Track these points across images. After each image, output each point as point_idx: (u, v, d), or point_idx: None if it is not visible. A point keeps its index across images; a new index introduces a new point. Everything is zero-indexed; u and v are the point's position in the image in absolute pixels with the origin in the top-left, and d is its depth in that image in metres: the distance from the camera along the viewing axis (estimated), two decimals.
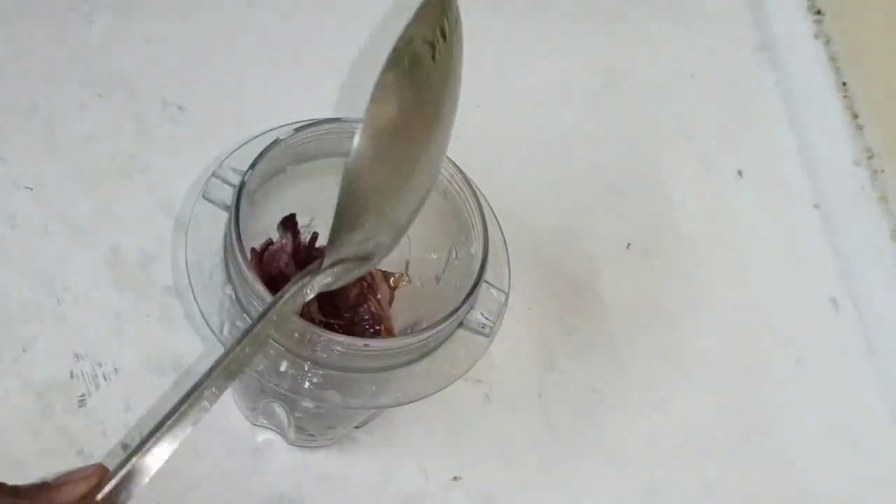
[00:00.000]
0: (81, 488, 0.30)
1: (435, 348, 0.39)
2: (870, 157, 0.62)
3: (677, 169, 0.63)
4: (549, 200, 0.59)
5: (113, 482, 0.30)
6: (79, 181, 0.52)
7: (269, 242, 0.44)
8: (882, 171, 0.61)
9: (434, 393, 0.39)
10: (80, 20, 0.57)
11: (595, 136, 0.63)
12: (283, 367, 0.37)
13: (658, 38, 0.68)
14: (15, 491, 0.29)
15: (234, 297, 0.38)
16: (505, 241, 0.43)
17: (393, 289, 0.46)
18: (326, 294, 0.44)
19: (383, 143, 0.33)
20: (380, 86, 0.33)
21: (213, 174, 0.40)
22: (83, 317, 0.49)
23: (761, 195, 0.63)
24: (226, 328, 0.38)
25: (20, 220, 0.51)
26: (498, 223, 0.43)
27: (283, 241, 0.44)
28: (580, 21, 0.67)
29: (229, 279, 0.38)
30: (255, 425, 0.48)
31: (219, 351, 0.34)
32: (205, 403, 0.32)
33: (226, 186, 0.40)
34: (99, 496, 0.30)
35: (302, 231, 0.45)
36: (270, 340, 0.37)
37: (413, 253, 0.46)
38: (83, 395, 0.47)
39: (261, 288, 0.36)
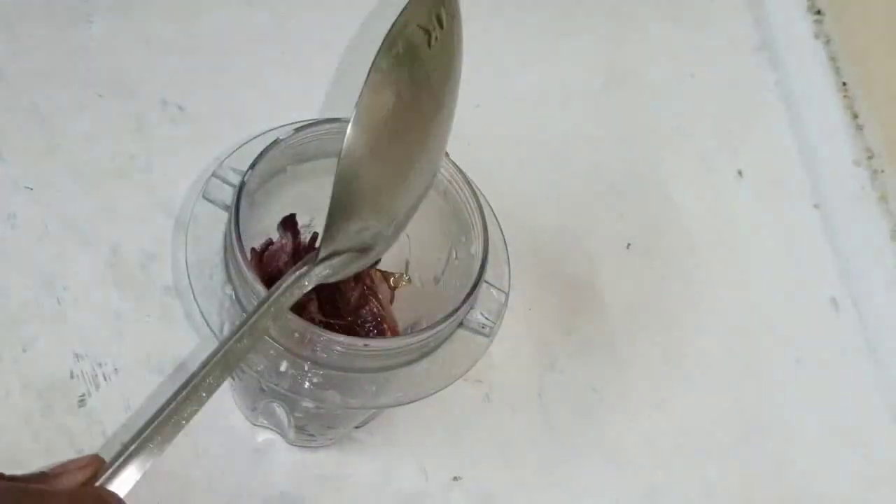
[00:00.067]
0: (78, 478, 0.30)
1: (435, 348, 0.39)
2: (870, 157, 0.62)
3: (677, 169, 0.63)
4: (549, 200, 0.59)
5: (109, 472, 0.30)
6: (79, 181, 0.52)
7: (269, 242, 0.44)
8: (882, 171, 0.61)
9: (434, 393, 0.39)
10: (80, 20, 0.57)
11: (595, 136, 0.63)
12: (283, 367, 0.37)
13: (658, 38, 0.68)
14: (12, 481, 0.29)
15: (234, 297, 0.38)
16: (505, 241, 0.43)
17: (393, 289, 0.46)
18: (327, 295, 0.44)
19: (378, 132, 0.33)
20: (373, 73, 0.33)
21: (213, 174, 0.40)
22: (83, 317, 0.49)
23: (761, 195, 0.63)
24: (226, 328, 0.38)
25: (20, 220, 0.51)
26: (498, 223, 0.43)
27: (283, 241, 0.44)
28: (580, 21, 0.67)
29: (229, 279, 0.38)
30: (255, 425, 0.48)
31: (216, 345, 0.33)
32: (202, 394, 0.32)
33: (226, 186, 0.40)
34: (95, 485, 0.30)
35: (302, 231, 0.45)
36: (270, 341, 0.37)
37: (413, 253, 0.46)
38: (83, 395, 0.47)
39: (261, 288, 0.36)
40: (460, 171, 0.41)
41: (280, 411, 0.44)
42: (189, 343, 0.49)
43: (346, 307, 0.44)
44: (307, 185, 0.43)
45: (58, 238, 0.50)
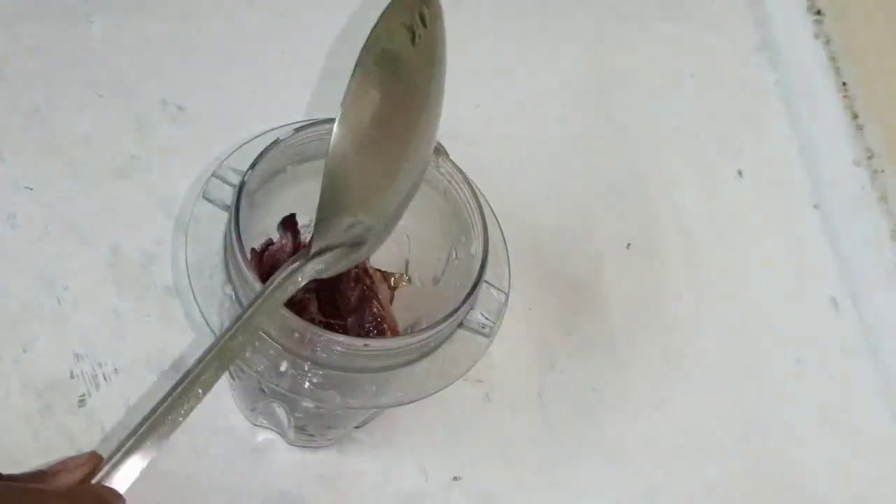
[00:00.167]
0: (76, 475, 0.30)
1: (435, 348, 0.39)
2: (870, 157, 0.62)
3: (677, 169, 0.63)
4: (549, 200, 0.59)
5: (106, 469, 0.30)
6: (79, 181, 0.52)
7: (269, 242, 0.44)
8: (882, 171, 0.61)
9: (434, 393, 0.39)
10: (80, 20, 0.57)
11: (595, 136, 0.63)
12: (283, 367, 0.37)
13: (658, 38, 0.68)
14: (10, 480, 0.29)
15: (234, 297, 0.38)
16: (505, 241, 0.43)
17: (393, 289, 0.46)
18: (328, 296, 0.44)
19: (364, 129, 0.34)
20: (357, 72, 0.33)
21: (213, 174, 0.40)
22: (83, 317, 0.49)
23: (761, 195, 0.63)
24: (223, 328, 0.38)
25: (20, 220, 0.51)
26: (498, 223, 0.43)
27: (283, 241, 0.44)
28: (580, 21, 0.67)
29: (229, 279, 0.38)
30: (255, 425, 0.48)
31: (207, 338, 0.33)
32: (198, 390, 0.32)
33: (226, 186, 0.40)
34: (93, 482, 0.30)
35: (302, 231, 0.45)
36: (271, 341, 0.37)
37: (413, 253, 0.46)
38: (83, 395, 0.47)
39: (260, 288, 0.36)
40: (460, 171, 0.41)
41: (280, 411, 0.44)
42: (189, 343, 0.49)
43: (346, 307, 0.44)
44: (307, 185, 0.43)
45: (58, 238, 0.50)
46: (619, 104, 0.64)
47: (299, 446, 0.48)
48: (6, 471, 0.29)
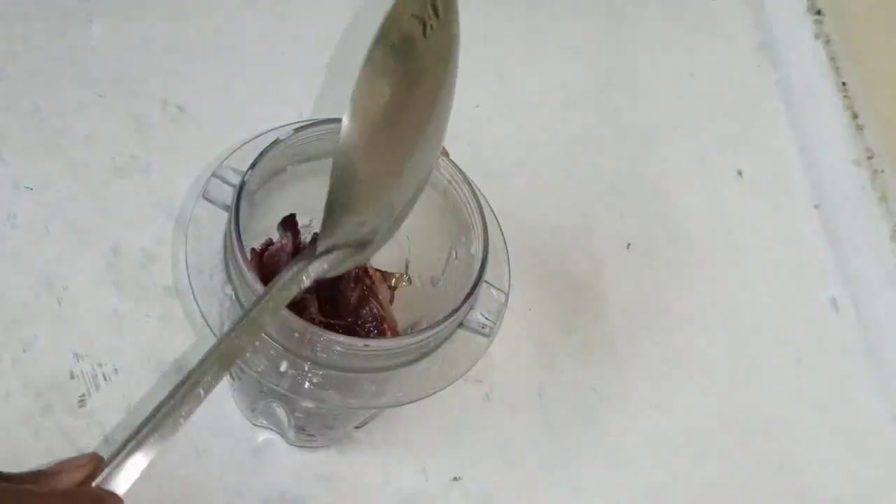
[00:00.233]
0: (77, 476, 0.30)
1: (435, 348, 0.39)
2: (870, 157, 0.62)
3: (677, 169, 0.63)
4: (549, 200, 0.59)
5: (108, 471, 0.30)
6: (79, 181, 0.52)
7: (269, 242, 0.44)
8: (882, 171, 0.61)
9: (434, 393, 0.39)
10: (80, 20, 0.57)
11: (595, 136, 0.63)
12: (283, 367, 0.37)
13: (658, 38, 0.68)
14: (7, 477, 0.29)
15: (234, 297, 0.38)
16: (505, 241, 0.43)
17: (393, 289, 0.46)
18: (328, 296, 0.44)
19: (374, 123, 0.33)
20: (368, 64, 0.32)
21: (213, 174, 0.40)
22: (83, 317, 0.49)
23: (761, 195, 0.63)
24: (226, 328, 0.38)
25: (20, 220, 0.51)
26: (498, 223, 0.43)
27: (283, 241, 0.44)
28: (580, 21, 0.67)
29: (229, 279, 0.38)
30: (255, 425, 0.48)
31: (213, 342, 0.33)
32: (199, 391, 0.32)
33: (226, 186, 0.40)
34: (94, 484, 0.30)
35: (302, 231, 0.45)
36: (271, 341, 0.37)
37: (413, 253, 0.46)
38: (83, 395, 0.47)
39: (261, 288, 0.36)
40: (460, 171, 0.41)
41: (280, 411, 0.44)
42: (189, 343, 0.49)
43: (347, 308, 0.44)
44: (307, 185, 0.43)
45: (58, 238, 0.50)
46: (618, 104, 0.64)
47: (299, 446, 0.48)
48: (6, 470, 0.29)
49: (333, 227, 0.34)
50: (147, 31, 0.58)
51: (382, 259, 0.46)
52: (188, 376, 0.32)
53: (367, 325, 0.44)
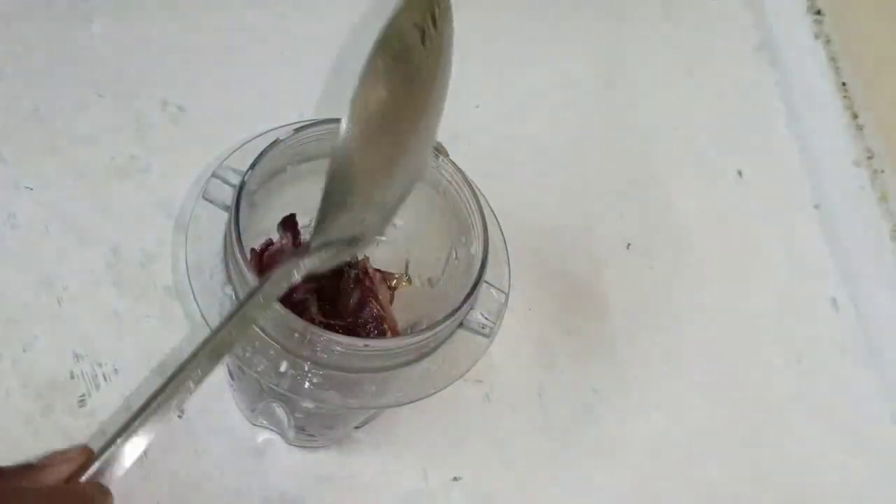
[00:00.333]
0: (66, 470, 0.30)
1: (435, 349, 0.39)
2: (870, 157, 0.62)
3: (677, 169, 0.63)
4: (549, 200, 0.59)
5: (97, 464, 0.30)
6: (79, 181, 0.52)
7: (269, 242, 0.44)
8: (882, 171, 0.61)
9: (434, 393, 0.39)
10: (80, 20, 0.57)
11: (595, 136, 0.63)
12: (283, 367, 0.37)
13: (658, 38, 0.68)
14: None
15: (234, 297, 0.38)
16: (505, 241, 0.43)
17: (392, 289, 0.46)
18: (328, 296, 0.44)
19: (371, 126, 0.34)
20: (368, 70, 0.33)
21: (213, 174, 0.40)
22: (83, 317, 0.49)
23: (761, 195, 0.63)
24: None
25: (20, 220, 0.51)
26: (498, 223, 0.43)
27: (283, 242, 0.44)
28: (580, 21, 0.67)
29: (229, 279, 0.38)
30: (255, 425, 0.48)
31: (203, 335, 0.33)
32: (189, 384, 0.32)
33: (226, 186, 0.40)
34: (83, 478, 0.30)
35: (302, 231, 0.44)
36: (270, 341, 0.37)
37: (413, 253, 0.46)
38: (83, 395, 0.47)
39: None
40: (460, 171, 0.41)
41: (280, 411, 0.44)
42: (189, 343, 0.49)
43: (346, 308, 0.44)
44: (307, 185, 0.43)
45: (58, 238, 0.50)
46: (618, 104, 0.64)
47: (299, 446, 0.48)
48: None
49: (327, 225, 0.35)
50: (147, 31, 0.58)
51: (382, 259, 0.46)
52: (178, 370, 0.32)
53: (368, 326, 0.44)
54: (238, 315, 0.33)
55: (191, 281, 0.38)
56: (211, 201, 0.40)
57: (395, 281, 0.46)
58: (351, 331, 0.43)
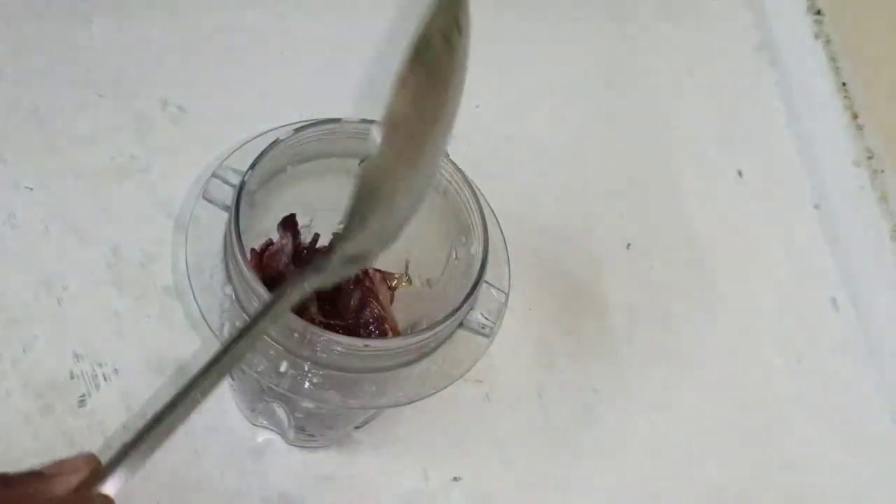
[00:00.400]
0: (73, 481, 0.30)
1: (435, 349, 0.39)
2: (870, 157, 0.62)
3: (677, 169, 0.63)
4: (549, 200, 0.59)
5: (110, 479, 0.30)
6: (79, 181, 0.52)
7: (269, 242, 0.44)
8: (882, 171, 0.61)
9: (434, 393, 0.39)
10: (80, 20, 0.57)
11: (595, 136, 0.63)
12: (283, 367, 0.37)
13: (658, 38, 0.68)
14: (5, 479, 0.29)
15: (234, 297, 0.38)
16: (505, 241, 0.43)
17: (393, 289, 0.46)
18: (328, 296, 0.44)
19: (399, 137, 0.33)
20: (402, 84, 0.33)
21: (213, 174, 0.40)
22: (83, 317, 0.49)
23: (761, 195, 0.63)
24: (226, 328, 0.38)
25: (20, 220, 0.51)
26: (498, 223, 0.43)
27: (283, 242, 0.44)
28: (580, 21, 0.67)
29: (229, 279, 0.38)
30: (255, 425, 0.48)
31: (213, 348, 0.33)
32: (197, 395, 0.32)
33: (226, 186, 0.40)
34: (95, 491, 0.30)
35: (302, 231, 0.45)
36: (270, 341, 0.37)
37: (413, 253, 0.46)
38: (83, 395, 0.47)
39: (261, 288, 0.36)
40: (460, 171, 0.41)
41: (280, 411, 0.44)
42: (189, 343, 0.49)
43: (347, 309, 0.44)
44: (307, 185, 0.43)
45: (58, 238, 0.50)
46: (618, 104, 0.64)
47: (299, 446, 0.48)
48: (5, 470, 0.29)
49: (349, 241, 0.34)
50: (147, 31, 0.58)
51: (382, 259, 0.46)
52: (189, 383, 0.32)
53: (368, 326, 0.44)
54: (251, 331, 0.33)
55: (191, 281, 0.38)
56: (211, 201, 0.40)
57: (395, 281, 0.46)
58: (351, 331, 0.43)
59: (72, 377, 0.47)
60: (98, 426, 0.46)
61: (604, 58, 0.66)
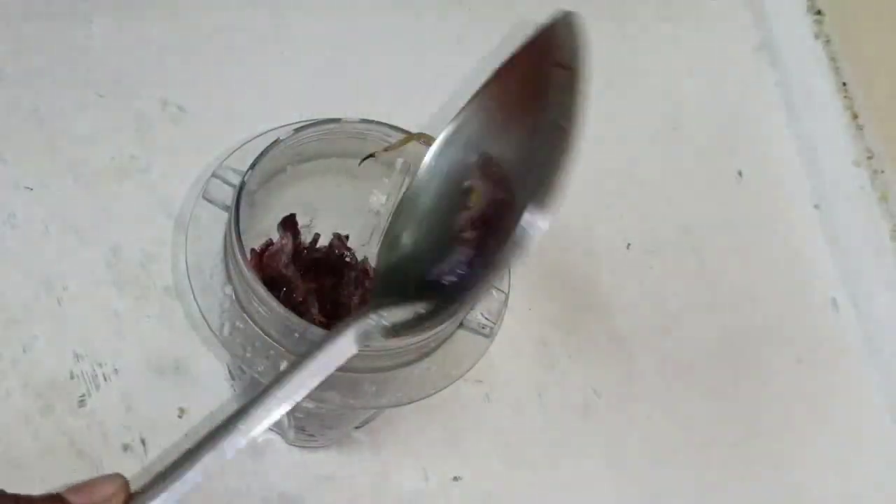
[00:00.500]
0: None
1: (435, 349, 0.39)
2: (870, 157, 0.62)
3: (677, 169, 0.63)
4: None
5: None
6: (79, 181, 0.52)
7: (269, 243, 0.44)
8: (882, 172, 0.61)
9: (434, 393, 0.39)
10: (80, 20, 0.57)
11: (594, 136, 0.62)
12: (283, 367, 0.37)
13: (658, 38, 0.68)
14: (18, 501, 0.28)
15: (234, 297, 0.38)
16: None
17: None
18: (328, 296, 0.44)
19: None
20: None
21: (213, 174, 0.40)
22: (83, 317, 0.49)
23: (761, 195, 0.63)
24: (226, 328, 0.38)
25: (20, 220, 0.51)
26: None
27: (283, 242, 0.44)
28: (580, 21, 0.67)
29: (229, 279, 0.38)
30: None
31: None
32: (240, 426, 0.30)
33: (226, 186, 0.40)
34: None
35: (302, 231, 0.44)
36: (270, 341, 0.37)
37: None
38: (83, 395, 0.47)
39: (261, 288, 0.36)
40: None
41: None
42: (189, 343, 0.49)
43: (348, 310, 0.44)
44: (307, 185, 0.43)
45: (58, 238, 0.50)
46: (618, 104, 0.64)
47: (299, 446, 0.48)
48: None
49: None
50: (147, 31, 0.58)
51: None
52: (230, 418, 0.30)
53: None
54: (302, 378, 0.31)
55: (191, 281, 0.38)
56: (211, 201, 0.40)
57: None
58: None
59: (72, 377, 0.47)
60: (98, 426, 0.46)
61: (603, 58, 0.66)
